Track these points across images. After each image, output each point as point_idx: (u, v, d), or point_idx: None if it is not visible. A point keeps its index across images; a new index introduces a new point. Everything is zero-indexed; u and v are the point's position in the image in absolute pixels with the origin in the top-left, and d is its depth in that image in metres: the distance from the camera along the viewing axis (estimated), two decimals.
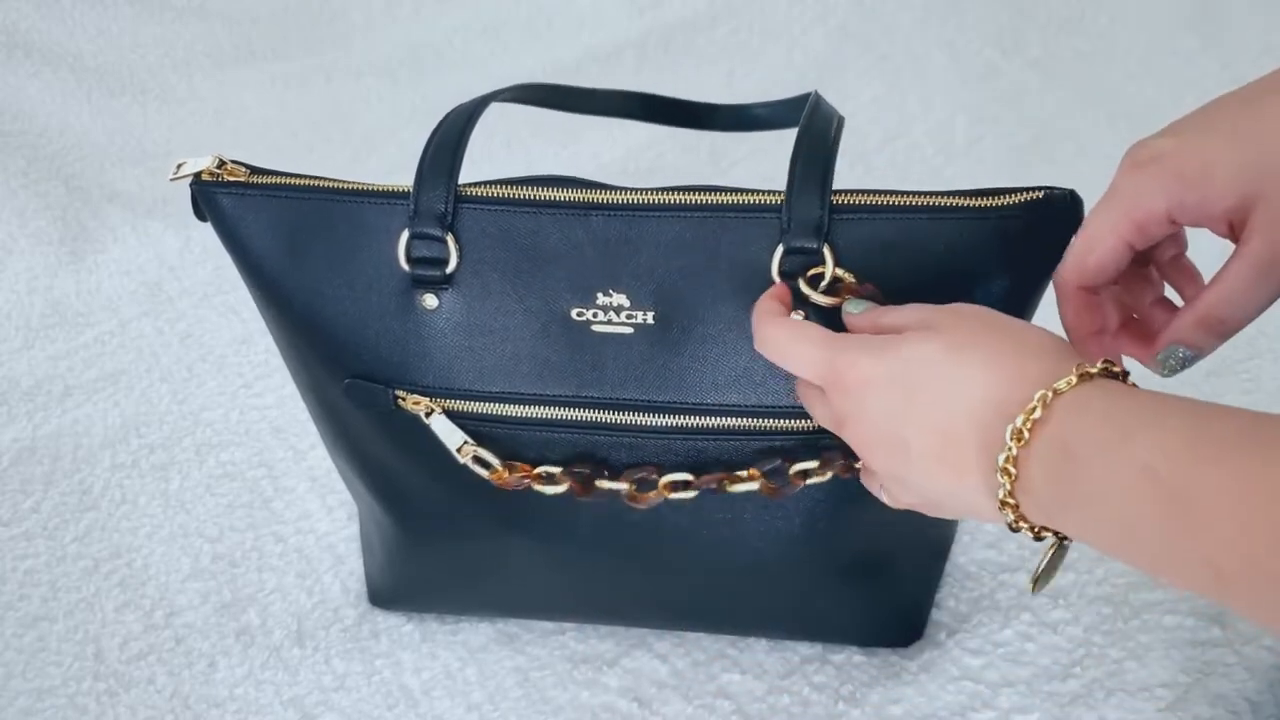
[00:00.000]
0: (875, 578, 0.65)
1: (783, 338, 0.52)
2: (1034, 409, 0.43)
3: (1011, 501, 0.44)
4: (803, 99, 0.62)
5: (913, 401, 0.47)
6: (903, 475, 0.49)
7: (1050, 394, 0.43)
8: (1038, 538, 0.46)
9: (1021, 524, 0.45)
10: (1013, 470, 0.44)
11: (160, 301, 1.05)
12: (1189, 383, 0.79)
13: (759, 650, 0.69)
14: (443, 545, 0.67)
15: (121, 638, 0.75)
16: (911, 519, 0.64)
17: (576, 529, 0.62)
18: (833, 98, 0.60)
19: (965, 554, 0.73)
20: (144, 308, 1.04)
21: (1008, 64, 1.26)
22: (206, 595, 0.77)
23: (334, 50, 1.44)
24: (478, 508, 0.63)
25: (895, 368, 0.47)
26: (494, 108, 0.62)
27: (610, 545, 0.62)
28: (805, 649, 0.69)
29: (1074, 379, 0.43)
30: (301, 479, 0.85)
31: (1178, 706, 0.63)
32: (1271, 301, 0.49)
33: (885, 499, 0.53)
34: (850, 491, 0.58)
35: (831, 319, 0.54)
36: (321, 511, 0.82)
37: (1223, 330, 0.50)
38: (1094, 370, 0.43)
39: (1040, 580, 0.49)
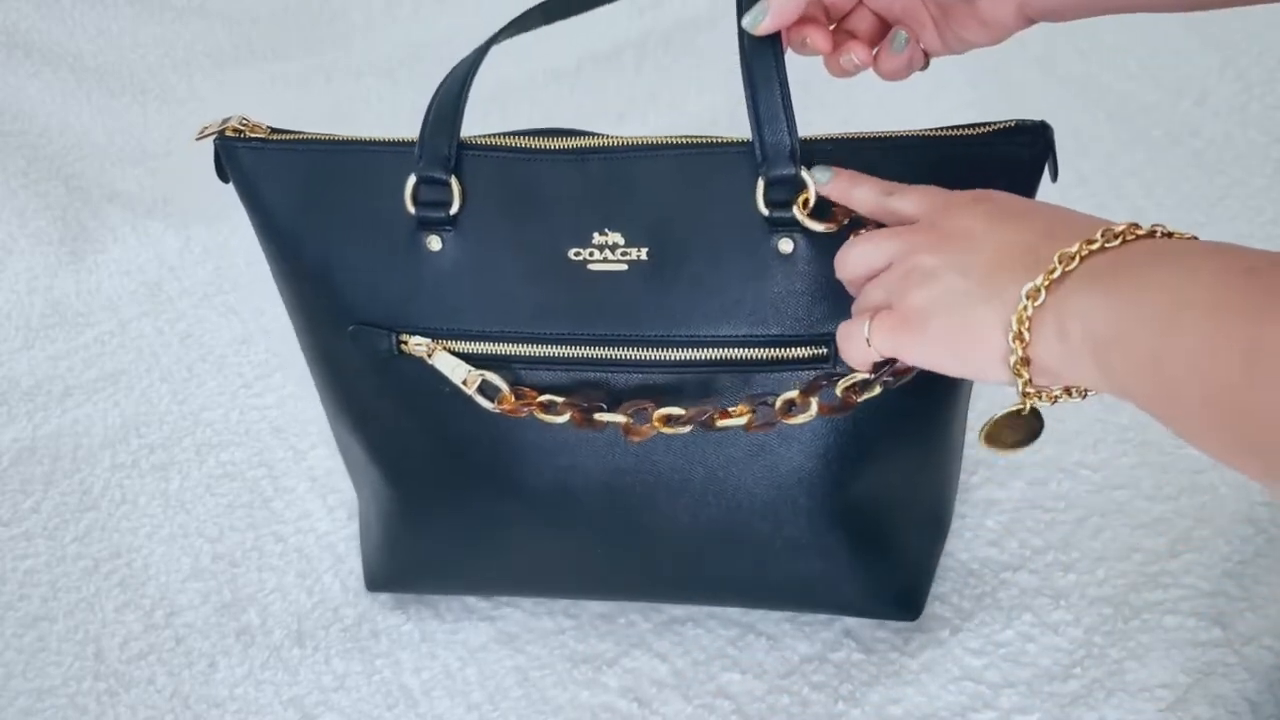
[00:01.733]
0: (871, 531, 0.65)
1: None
2: (1136, 226, 0.44)
3: (1045, 284, 0.44)
4: None
5: (1004, 215, 0.48)
6: (938, 261, 0.48)
7: (1163, 231, 0.44)
8: (1018, 370, 0.46)
9: (1023, 336, 0.45)
10: (1074, 262, 0.44)
11: (160, 301, 1.05)
12: None
13: (759, 650, 0.69)
14: (439, 511, 0.67)
15: (121, 638, 0.75)
16: (907, 465, 0.65)
17: (572, 484, 0.63)
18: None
19: (967, 550, 0.73)
20: (144, 308, 1.04)
21: (1008, 63, 1.26)
22: (206, 595, 0.77)
23: (334, 50, 1.44)
24: (474, 462, 0.64)
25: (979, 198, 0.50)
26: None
27: (606, 501, 0.63)
28: (805, 648, 0.69)
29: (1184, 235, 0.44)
30: (301, 479, 0.85)
31: (1178, 707, 0.63)
32: None
33: (871, 330, 0.51)
34: (842, 431, 0.60)
35: (829, 248, 0.56)
36: (321, 511, 0.82)
37: None
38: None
39: (994, 434, 0.50)
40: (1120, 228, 0.44)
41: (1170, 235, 0.44)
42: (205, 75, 1.40)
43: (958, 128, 0.58)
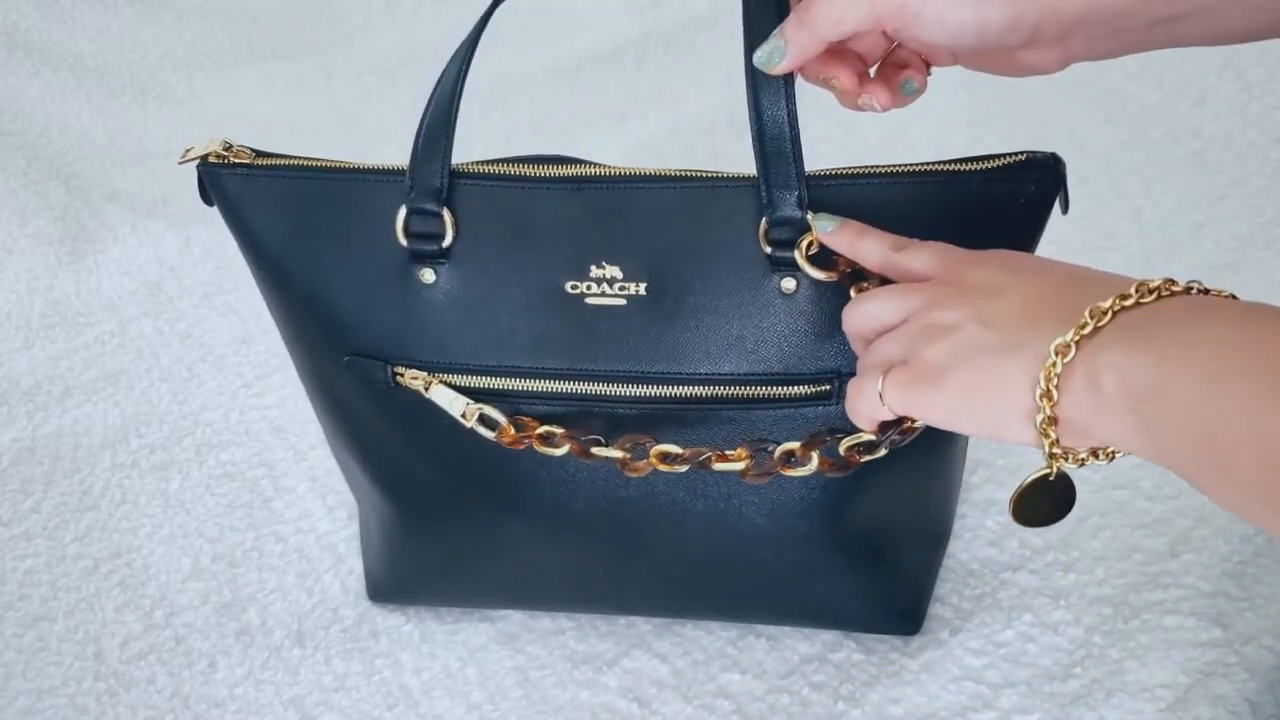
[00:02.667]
0: (874, 554, 0.65)
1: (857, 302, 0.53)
2: (1172, 282, 0.43)
3: (1075, 340, 0.42)
4: None
5: (1023, 269, 0.47)
6: (959, 315, 0.46)
7: (1199, 287, 0.43)
8: (1045, 430, 0.44)
9: (1051, 394, 0.43)
10: (1106, 316, 0.42)
11: (160, 301, 1.05)
12: None
13: (759, 650, 0.69)
14: (441, 529, 0.67)
15: (121, 638, 0.75)
16: (909, 491, 0.64)
17: (573, 507, 0.62)
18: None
19: (967, 551, 0.73)
20: (144, 308, 1.04)
21: None
22: (206, 595, 0.77)
23: (334, 50, 1.44)
24: (475, 485, 0.63)
25: (1001, 259, 0.49)
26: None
27: (607, 523, 0.63)
28: (805, 648, 0.69)
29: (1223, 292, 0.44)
30: (301, 479, 0.85)
31: (1178, 707, 0.63)
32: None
33: (885, 386, 0.48)
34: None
35: (834, 286, 0.55)
36: (321, 511, 0.82)
37: (808, 23, 0.52)
38: None
39: (1025, 508, 0.48)
40: (1156, 283, 0.43)
41: (1206, 292, 0.43)
42: (205, 75, 1.40)
43: (967, 160, 0.57)
